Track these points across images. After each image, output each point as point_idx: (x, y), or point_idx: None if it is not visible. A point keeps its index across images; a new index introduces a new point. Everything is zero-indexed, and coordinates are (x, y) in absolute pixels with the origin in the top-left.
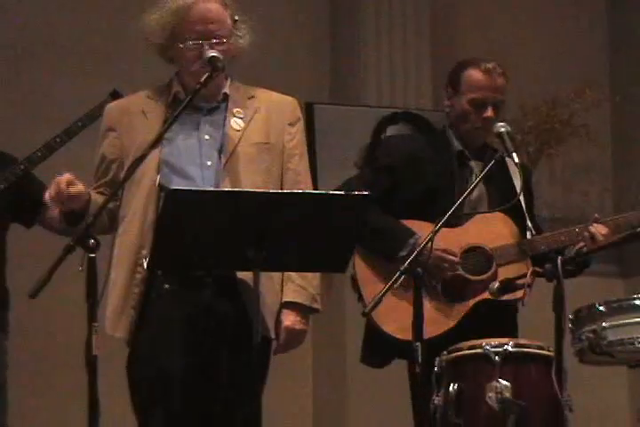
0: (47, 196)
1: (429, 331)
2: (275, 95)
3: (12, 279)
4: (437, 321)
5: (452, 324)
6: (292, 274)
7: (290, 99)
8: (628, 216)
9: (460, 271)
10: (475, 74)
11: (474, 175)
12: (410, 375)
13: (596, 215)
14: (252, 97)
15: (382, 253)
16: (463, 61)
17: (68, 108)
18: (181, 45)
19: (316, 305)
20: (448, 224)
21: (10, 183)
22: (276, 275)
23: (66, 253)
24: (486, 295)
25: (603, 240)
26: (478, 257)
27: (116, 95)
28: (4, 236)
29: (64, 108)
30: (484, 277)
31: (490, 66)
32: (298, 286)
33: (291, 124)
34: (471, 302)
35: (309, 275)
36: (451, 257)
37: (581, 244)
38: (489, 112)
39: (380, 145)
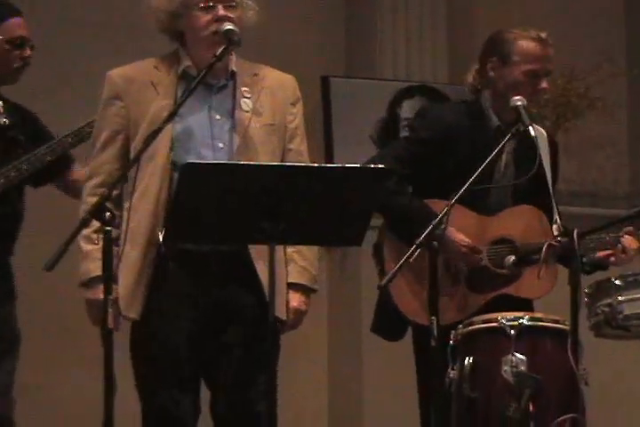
0: None
1: (446, 318)
2: (276, 73)
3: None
4: (455, 309)
5: (468, 313)
6: (295, 255)
7: (290, 77)
8: None
9: (486, 263)
10: (530, 44)
11: (504, 153)
12: (417, 354)
13: (631, 228)
14: (256, 74)
15: (407, 238)
16: (508, 33)
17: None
18: (196, 7)
19: (315, 286)
20: (481, 211)
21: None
22: (282, 257)
23: (82, 226)
24: (508, 290)
25: (633, 254)
26: (506, 250)
27: None
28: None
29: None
30: (506, 271)
31: (543, 35)
32: (301, 267)
33: (292, 104)
34: (491, 295)
35: (310, 256)
36: (475, 256)
37: (609, 252)
38: (544, 83)
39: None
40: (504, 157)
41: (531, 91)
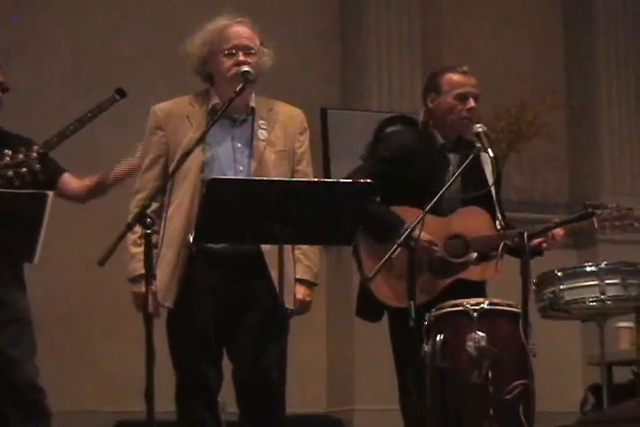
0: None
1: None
2: (288, 108)
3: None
4: (421, 293)
5: (432, 295)
6: (301, 257)
7: (299, 111)
8: (580, 223)
9: (443, 254)
10: (454, 75)
11: (451, 166)
12: (391, 332)
13: (557, 219)
14: (272, 109)
15: (379, 237)
16: (438, 71)
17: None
18: (221, 54)
19: (317, 281)
20: (436, 213)
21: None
22: (291, 258)
23: (128, 229)
24: (463, 275)
25: (560, 240)
26: (459, 243)
27: (121, 92)
28: None
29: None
30: (461, 260)
31: (465, 68)
32: (306, 266)
33: (300, 134)
34: (450, 280)
35: (313, 257)
36: (433, 248)
37: (541, 239)
38: (472, 103)
39: (380, 140)
40: (451, 168)
41: (463, 110)
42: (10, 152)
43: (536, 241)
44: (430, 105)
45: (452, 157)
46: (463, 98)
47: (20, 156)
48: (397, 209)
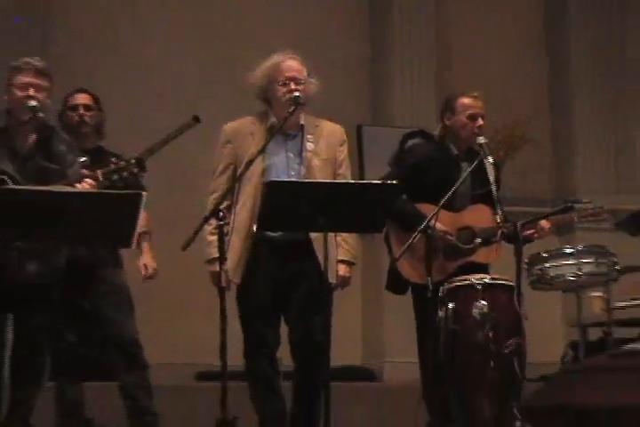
0: None
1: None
2: (330, 124)
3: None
4: (436, 272)
5: (446, 275)
6: (342, 242)
7: (339, 127)
8: (563, 217)
9: (455, 242)
10: (466, 99)
11: (463, 171)
12: (414, 302)
13: (548, 211)
14: (317, 126)
15: (405, 227)
16: (453, 94)
17: None
18: (277, 84)
19: (355, 261)
20: (450, 209)
21: (129, 172)
22: (333, 243)
23: (205, 222)
24: (471, 258)
25: (548, 232)
26: (467, 233)
27: (196, 119)
28: None
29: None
30: (469, 246)
31: (475, 94)
32: (346, 249)
33: (340, 145)
34: (460, 262)
35: (352, 242)
36: (448, 237)
37: (532, 231)
38: (480, 122)
39: (407, 151)
40: (463, 173)
41: (474, 127)
42: (115, 159)
43: (528, 232)
44: (447, 122)
45: (465, 165)
46: (473, 118)
47: (122, 162)
48: (420, 205)
